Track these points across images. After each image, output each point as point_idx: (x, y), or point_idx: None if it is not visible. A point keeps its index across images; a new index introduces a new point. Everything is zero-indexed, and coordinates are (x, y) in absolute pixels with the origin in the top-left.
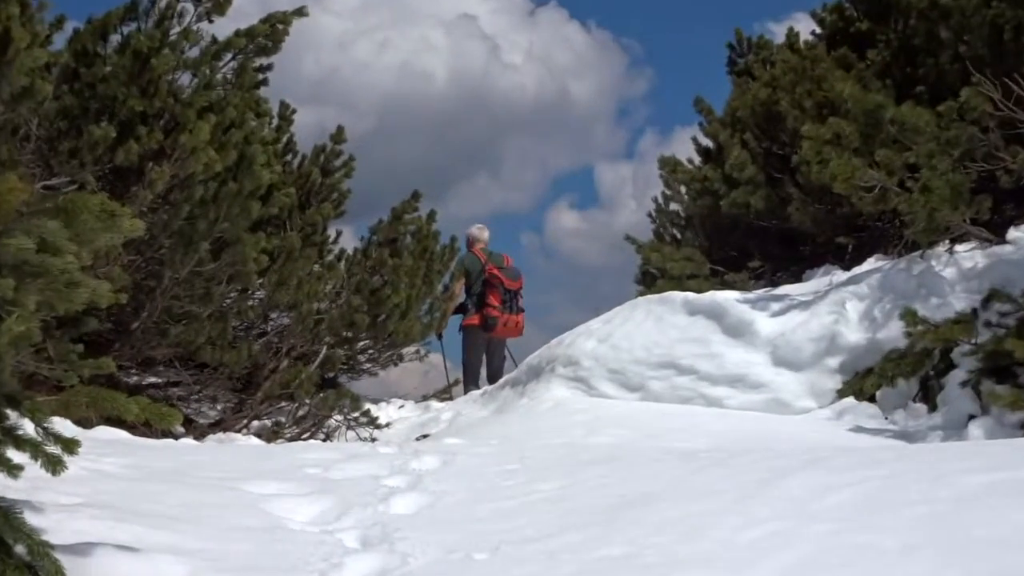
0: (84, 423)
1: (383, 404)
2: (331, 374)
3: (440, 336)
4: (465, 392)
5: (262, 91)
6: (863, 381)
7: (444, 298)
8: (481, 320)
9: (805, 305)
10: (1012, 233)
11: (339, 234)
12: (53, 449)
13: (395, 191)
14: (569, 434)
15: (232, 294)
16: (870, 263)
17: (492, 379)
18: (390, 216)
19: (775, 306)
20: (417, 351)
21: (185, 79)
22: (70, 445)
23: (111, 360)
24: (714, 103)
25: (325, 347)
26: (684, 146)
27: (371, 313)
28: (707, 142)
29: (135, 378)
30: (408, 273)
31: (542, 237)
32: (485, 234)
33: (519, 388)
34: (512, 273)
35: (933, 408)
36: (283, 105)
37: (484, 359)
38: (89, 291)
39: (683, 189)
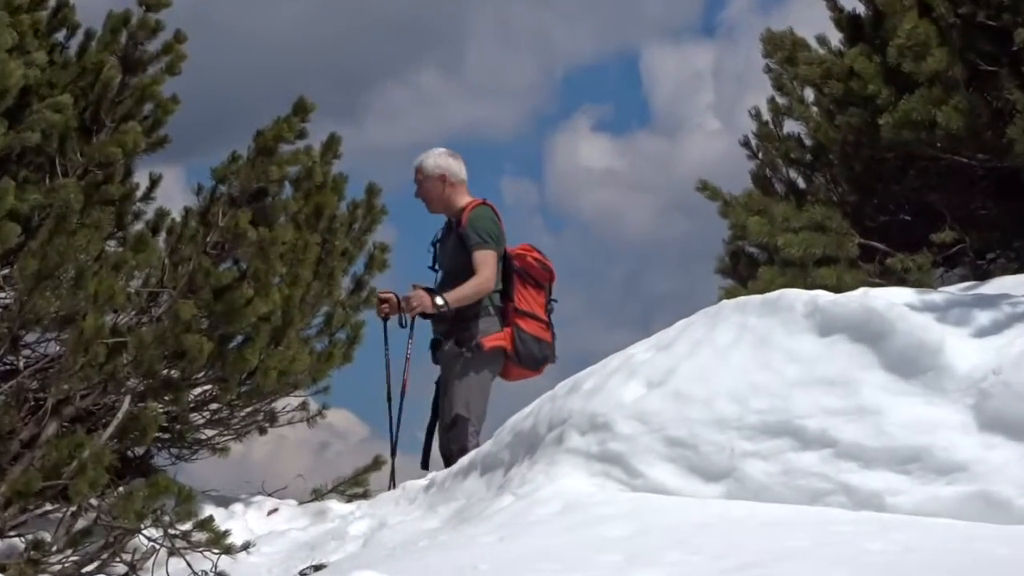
0: None
1: (239, 507)
2: (139, 450)
3: (391, 396)
4: (446, 462)
5: None
6: None
7: (385, 303)
8: (515, 344)
9: None
10: None
11: (156, 182)
12: None
13: (263, 102)
14: (593, 567)
15: None
16: None
17: (450, 456)
18: (253, 148)
19: (985, 318)
20: (304, 406)
21: None
22: None
23: None
24: None
25: (128, 399)
26: (811, 13)
27: (216, 333)
28: (854, 3)
29: None
30: (288, 256)
31: (542, 186)
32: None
33: (496, 475)
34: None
35: None
36: None
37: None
38: None
39: (809, 95)
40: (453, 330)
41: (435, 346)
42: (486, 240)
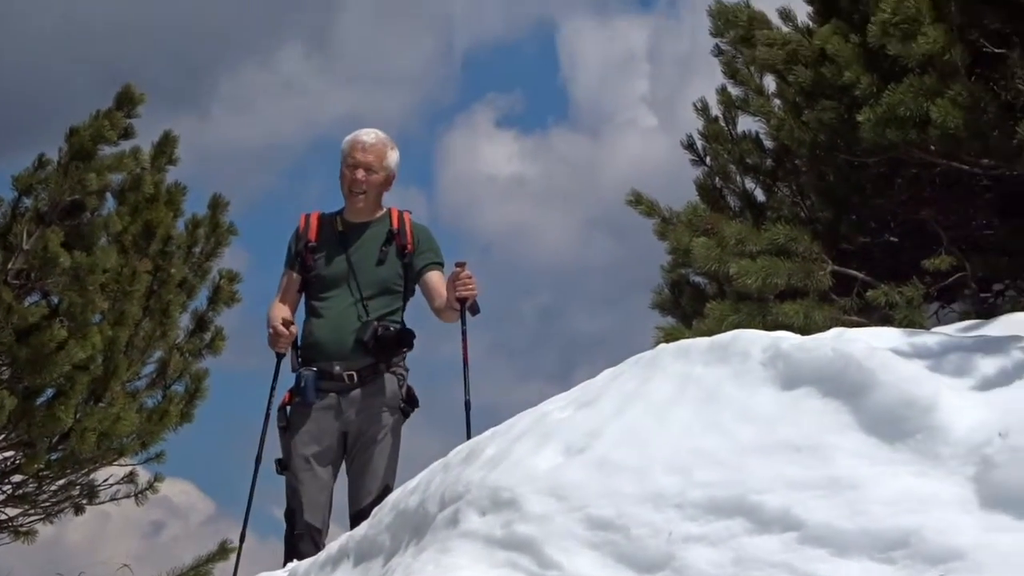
0: None
1: None
2: None
3: (261, 458)
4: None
5: None
6: None
7: (283, 336)
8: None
9: None
10: None
11: None
12: None
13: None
14: None
15: None
16: None
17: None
18: (66, 150)
19: (990, 366)
20: (132, 476)
21: None
22: None
23: None
24: None
25: None
26: None
27: (19, 385)
28: None
29: None
30: (110, 288)
31: (432, 196)
32: None
33: (374, 565)
34: None
35: None
36: None
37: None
38: None
39: (770, 83)
40: (389, 367)
41: (339, 382)
42: (443, 262)
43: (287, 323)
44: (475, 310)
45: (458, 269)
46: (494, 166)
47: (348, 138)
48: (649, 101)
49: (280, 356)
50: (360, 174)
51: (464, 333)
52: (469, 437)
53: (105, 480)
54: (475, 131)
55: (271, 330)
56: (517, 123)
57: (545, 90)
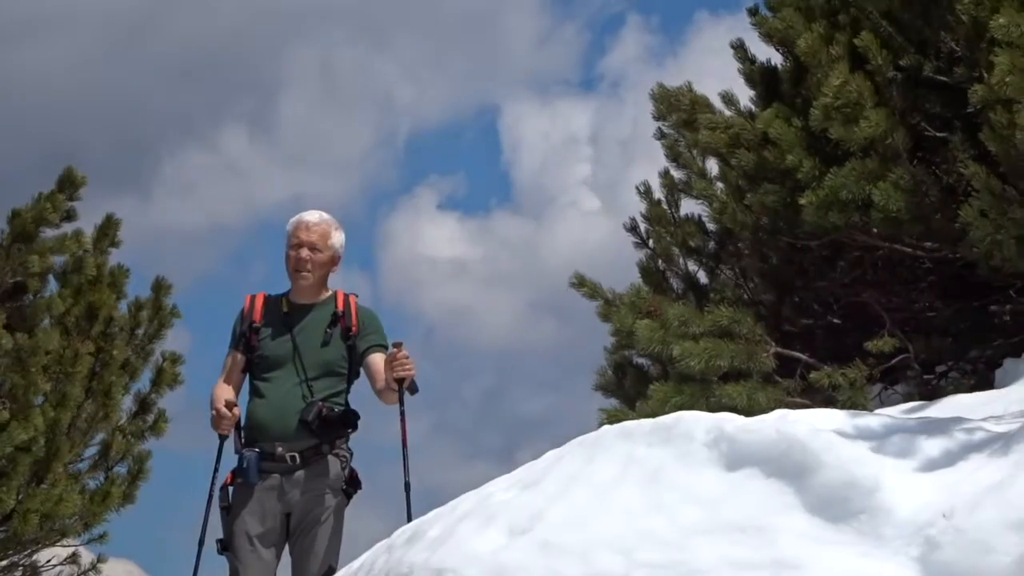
0: None
1: None
2: None
3: (204, 540)
4: None
5: None
6: None
7: (226, 418)
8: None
9: (1002, 445)
10: None
11: None
12: None
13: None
14: None
15: None
16: None
17: None
18: (7, 232)
19: (933, 447)
20: (74, 557)
21: None
22: None
23: None
24: None
25: None
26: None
27: None
28: (769, 53)
29: None
30: (53, 370)
31: (375, 278)
32: None
33: None
34: None
35: None
36: None
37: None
38: None
39: (712, 166)
40: (332, 448)
41: (282, 462)
42: (387, 345)
43: (230, 404)
44: (413, 389)
45: (395, 350)
46: (436, 249)
47: (293, 219)
48: (591, 184)
49: (223, 438)
50: (304, 253)
51: (402, 414)
52: (410, 518)
53: (48, 561)
54: (418, 213)
55: (214, 412)
56: (460, 205)
57: (487, 173)
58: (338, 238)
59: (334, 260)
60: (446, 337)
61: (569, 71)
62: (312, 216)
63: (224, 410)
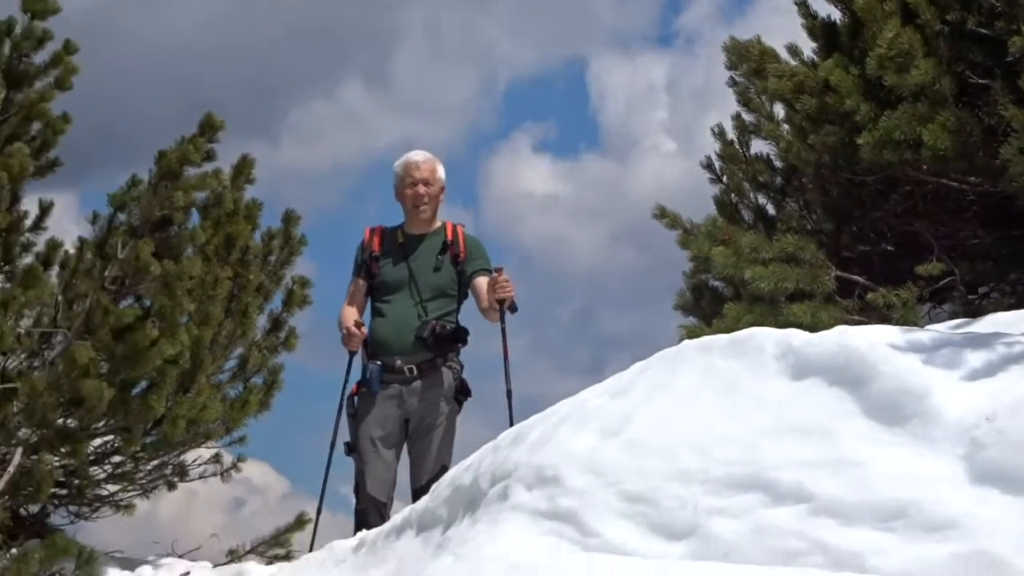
0: None
1: (147, 570)
2: (34, 507)
3: (335, 443)
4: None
5: None
6: None
7: (354, 336)
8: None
9: None
10: None
11: (47, 210)
12: None
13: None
14: None
15: None
16: None
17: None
18: (155, 172)
19: (977, 359)
20: (217, 458)
21: None
22: None
23: None
24: None
25: (19, 451)
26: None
27: (117, 379)
28: (829, 9)
29: None
30: (196, 292)
31: (477, 213)
32: None
33: (433, 535)
34: None
35: None
36: None
37: (377, 471)
38: None
39: (779, 111)
40: (445, 361)
41: (401, 374)
42: (491, 269)
43: (358, 324)
44: (513, 309)
45: (496, 274)
46: (532, 186)
47: (400, 161)
48: (668, 129)
49: (352, 353)
50: (421, 189)
51: (504, 331)
52: (512, 423)
53: (194, 460)
54: (515, 156)
55: (344, 331)
56: (552, 148)
57: (577, 120)
58: (441, 171)
59: (442, 190)
60: (540, 264)
61: (648, 28)
62: (419, 155)
63: (353, 329)
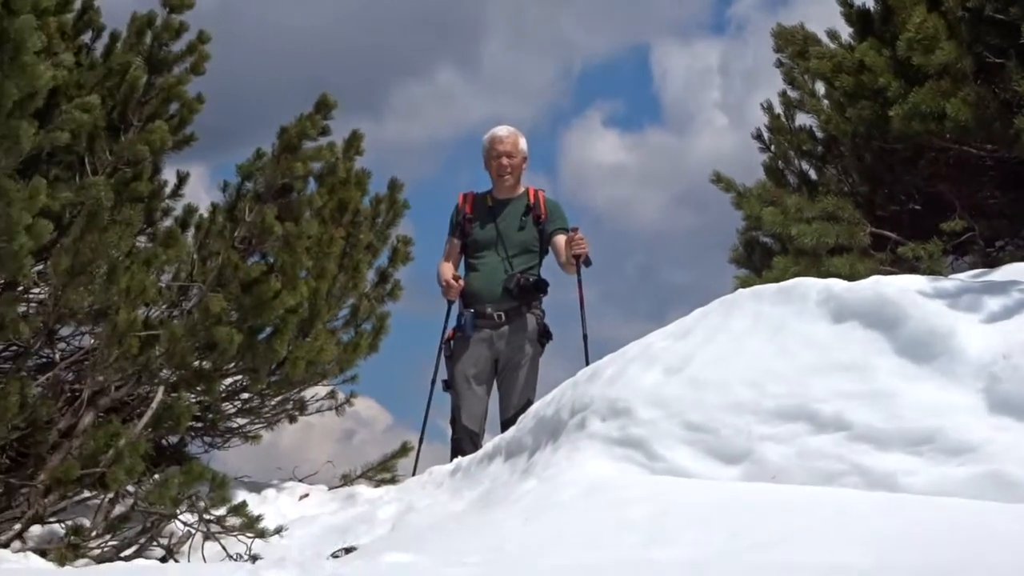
0: None
1: (271, 492)
2: (174, 439)
3: (436, 380)
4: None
5: None
6: None
7: (453, 288)
8: None
9: None
10: None
11: (184, 180)
12: None
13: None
14: (613, 545)
15: None
16: None
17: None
18: (277, 145)
19: (995, 304)
20: (332, 394)
21: None
22: None
23: None
24: None
25: (161, 390)
26: (820, 7)
27: (245, 325)
28: None
29: None
30: (313, 250)
31: (556, 180)
32: None
33: (519, 461)
34: None
35: None
36: None
37: (471, 405)
38: None
39: (820, 88)
40: (529, 308)
41: (491, 320)
42: (569, 228)
43: (456, 278)
44: (587, 263)
45: (573, 232)
46: (602, 156)
47: (487, 136)
48: (720, 106)
49: (450, 303)
50: (504, 160)
51: (579, 282)
52: (587, 363)
53: (312, 397)
54: (588, 130)
55: (444, 284)
56: (620, 123)
57: (641, 98)
58: (523, 143)
59: (524, 160)
60: (610, 224)
61: (703, 17)
62: (502, 131)
63: (452, 282)
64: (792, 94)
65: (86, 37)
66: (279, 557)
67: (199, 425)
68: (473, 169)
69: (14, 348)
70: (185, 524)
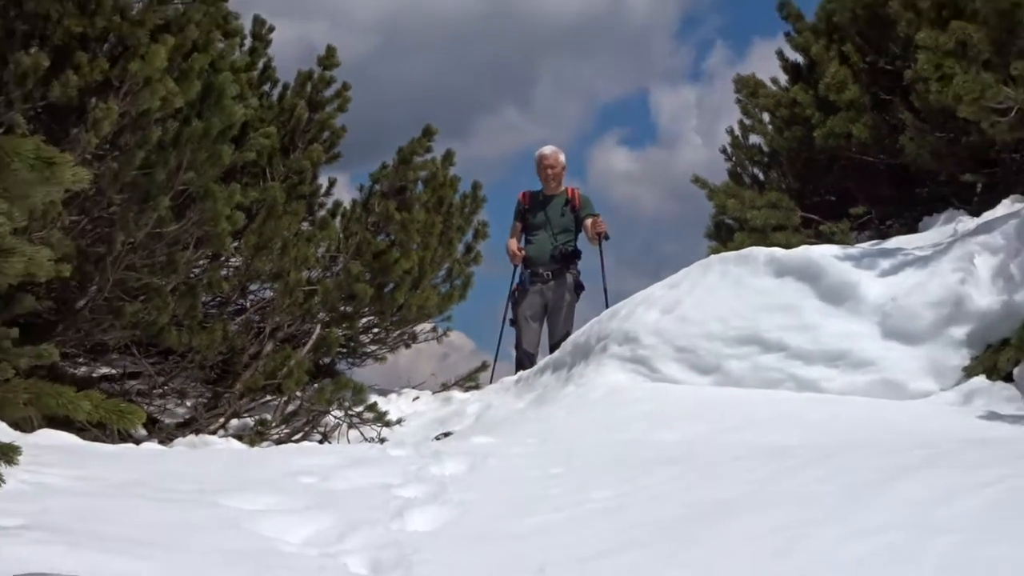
0: (23, 425)
1: (393, 396)
2: (327, 359)
3: (506, 319)
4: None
5: (231, 3)
6: (997, 356)
7: (516, 256)
8: None
9: (923, 261)
10: None
11: (332, 183)
12: None
13: (402, 127)
14: (627, 429)
15: (201, 262)
16: (1005, 206)
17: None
18: (396, 159)
19: (885, 263)
20: (434, 329)
21: None
22: (7, 453)
23: (53, 347)
24: (804, 6)
25: (319, 326)
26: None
27: (375, 282)
28: (796, 56)
29: (84, 368)
30: (421, 231)
31: (585, 181)
32: None
33: (562, 373)
34: None
35: None
36: (257, 21)
37: (529, 335)
38: (24, 260)
39: (766, 117)
40: (568, 269)
41: (542, 277)
42: (595, 214)
43: (519, 249)
44: (607, 238)
45: (596, 217)
46: (617, 166)
47: (537, 153)
48: (697, 130)
49: (515, 267)
50: (550, 171)
51: (601, 252)
52: (607, 306)
53: (420, 330)
54: (606, 149)
55: (511, 254)
56: (628, 143)
57: (643, 125)
58: (563, 157)
59: (564, 169)
60: (623, 212)
61: (686, 69)
62: (548, 149)
63: (516, 252)
64: (747, 122)
65: (266, 87)
66: (399, 440)
67: (344, 350)
68: (529, 175)
69: (219, 299)
70: (336, 418)
